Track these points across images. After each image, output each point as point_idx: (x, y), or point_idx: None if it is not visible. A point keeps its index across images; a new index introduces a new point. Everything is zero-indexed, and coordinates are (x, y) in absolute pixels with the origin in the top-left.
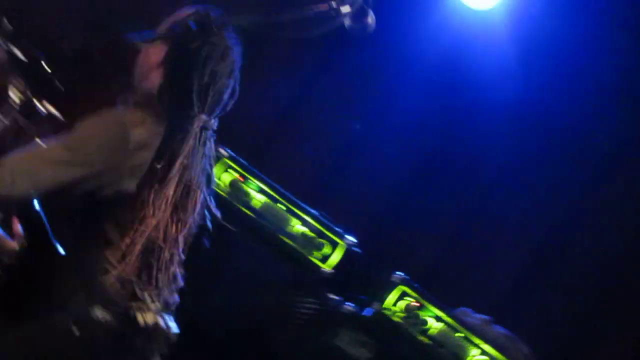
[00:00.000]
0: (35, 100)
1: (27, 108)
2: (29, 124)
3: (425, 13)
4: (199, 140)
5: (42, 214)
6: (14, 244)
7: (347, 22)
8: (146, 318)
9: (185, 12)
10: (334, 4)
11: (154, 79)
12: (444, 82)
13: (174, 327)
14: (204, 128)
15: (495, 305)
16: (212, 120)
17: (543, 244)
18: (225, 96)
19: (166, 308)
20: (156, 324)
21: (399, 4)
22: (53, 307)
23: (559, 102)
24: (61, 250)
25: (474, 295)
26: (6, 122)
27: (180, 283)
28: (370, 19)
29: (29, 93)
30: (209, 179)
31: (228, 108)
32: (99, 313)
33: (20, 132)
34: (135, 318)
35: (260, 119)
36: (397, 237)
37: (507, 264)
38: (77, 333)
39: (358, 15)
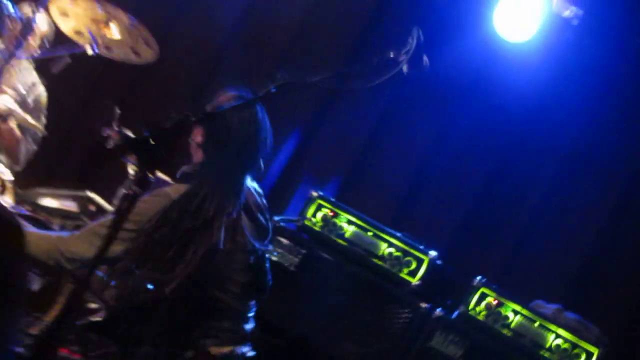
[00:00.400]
0: (146, 171)
1: (140, 178)
2: (141, 191)
3: (468, 48)
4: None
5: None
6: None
7: (405, 68)
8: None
9: (225, 94)
10: (392, 54)
11: (198, 156)
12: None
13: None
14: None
15: (563, 295)
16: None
17: (600, 237)
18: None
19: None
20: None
21: (443, 39)
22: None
23: (592, 125)
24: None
25: (544, 288)
26: (128, 191)
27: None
28: (425, 61)
29: (140, 165)
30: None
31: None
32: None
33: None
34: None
35: (340, 159)
36: (472, 247)
37: (570, 258)
38: None
39: (414, 60)
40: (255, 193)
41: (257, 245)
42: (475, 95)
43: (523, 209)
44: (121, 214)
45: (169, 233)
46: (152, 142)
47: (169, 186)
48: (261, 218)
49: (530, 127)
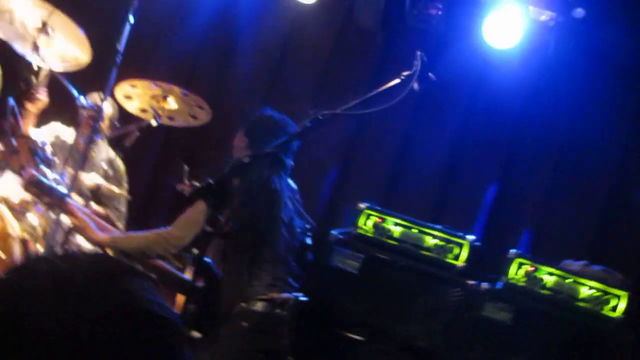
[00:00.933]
0: (215, 211)
1: (211, 218)
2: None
3: (459, 56)
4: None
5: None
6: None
7: (415, 86)
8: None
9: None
10: (402, 77)
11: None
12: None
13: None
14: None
15: (587, 252)
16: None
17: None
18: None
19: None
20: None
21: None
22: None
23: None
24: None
25: (570, 249)
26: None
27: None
28: (431, 77)
29: (210, 208)
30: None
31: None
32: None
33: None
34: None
35: (379, 171)
36: (502, 228)
37: (587, 219)
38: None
39: (422, 78)
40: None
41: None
42: (473, 96)
43: (534, 187)
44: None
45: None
46: (216, 187)
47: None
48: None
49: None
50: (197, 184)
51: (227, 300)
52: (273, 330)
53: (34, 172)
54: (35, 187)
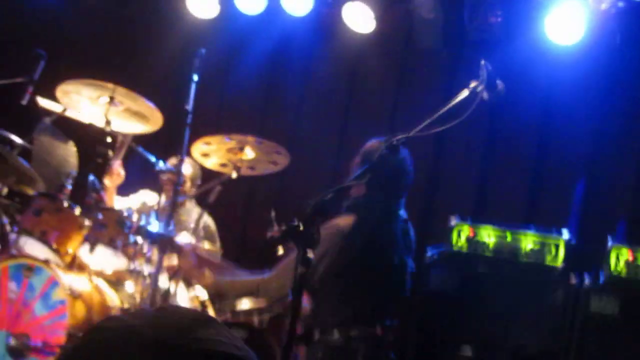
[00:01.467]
0: (305, 251)
1: (302, 257)
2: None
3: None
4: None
5: None
6: None
7: (485, 96)
8: None
9: (372, 142)
10: (471, 87)
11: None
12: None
13: None
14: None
15: None
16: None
17: None
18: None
19: None
20: None
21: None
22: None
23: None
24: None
25: None
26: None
27: None
28: (500, 85)
29: (299, 248)
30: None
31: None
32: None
33: None
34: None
35: (465, 185)
36: (595, 221)
37: None
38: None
39: (490, 86)
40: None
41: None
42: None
43: (622, 177)
44: (298, 293)
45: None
46: (302, 227)
47: (336, 219)
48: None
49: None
50: (283, 227)
51: (307, 325)
52: None
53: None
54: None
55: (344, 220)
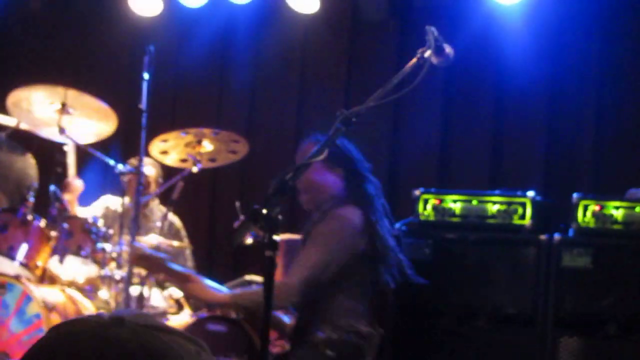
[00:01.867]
0: (271, 235)
1: (269, 242)
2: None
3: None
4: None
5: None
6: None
7: (434, 60)
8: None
9: (309, 143)
10: (419, 53)
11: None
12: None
13: None
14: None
15: None
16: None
17: None
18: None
19: None
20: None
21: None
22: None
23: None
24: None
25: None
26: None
27: None
28: (448, 48)
29: (265, 232)
30: None
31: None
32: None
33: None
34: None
35: (426, 155)
36: (559, 177)
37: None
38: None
39: (438, 51)
40: None
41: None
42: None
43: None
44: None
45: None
46: (265, 212)
47: (339, 209)
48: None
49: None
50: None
51: (310, 324)
52: None
53: (137, 244)
54: (144, 259)
55: (353, 213)
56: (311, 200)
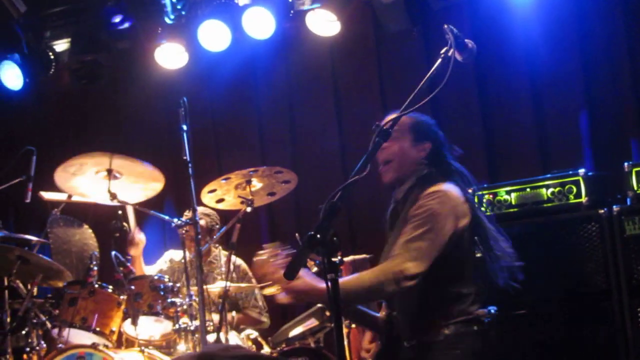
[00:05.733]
0: (329, 258)
1: (329, 265)
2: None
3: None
4: None
5: None
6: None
7: (459, 57)
8: None
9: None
10: (443, 52)
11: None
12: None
13: None
14: None
15: None
16: None
17: None
18: None
19: None
20: None
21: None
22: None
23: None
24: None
25: None
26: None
27: None
28: (470, 44)
29: (323, 257)
30: None
31: None
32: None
33: None
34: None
35: (472, 151)
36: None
37: None
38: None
39: (460, 47)
40: None
41: None
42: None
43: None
44: (335, 300)
45: None
46: (319, 236)
47: (440, 186)
48: None
49: None
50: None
51: (420, 326)
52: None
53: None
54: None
55: (452, 192)
56: (392, 170)
